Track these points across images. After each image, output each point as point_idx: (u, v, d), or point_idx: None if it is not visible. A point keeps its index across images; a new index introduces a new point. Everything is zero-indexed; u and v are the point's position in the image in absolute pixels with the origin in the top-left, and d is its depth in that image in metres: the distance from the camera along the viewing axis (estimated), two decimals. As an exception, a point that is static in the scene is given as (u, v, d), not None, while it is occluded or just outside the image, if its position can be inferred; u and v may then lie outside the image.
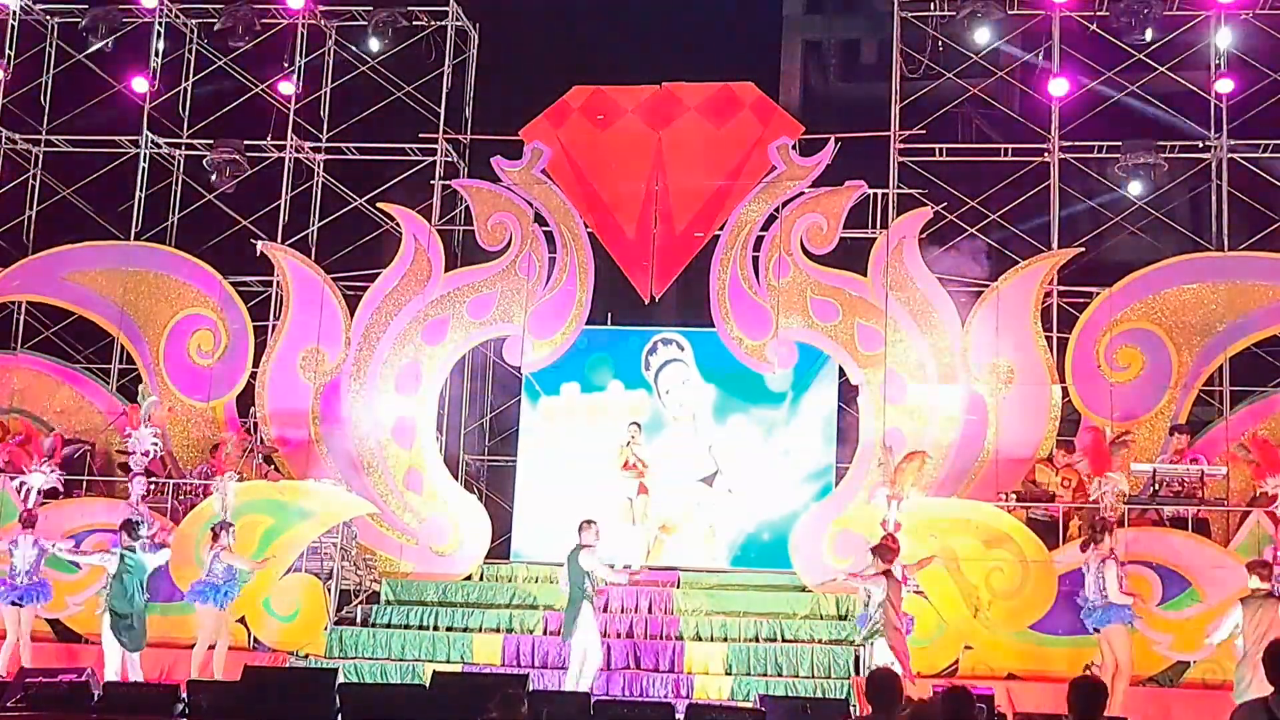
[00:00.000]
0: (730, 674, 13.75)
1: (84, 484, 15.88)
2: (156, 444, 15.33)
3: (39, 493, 14.64)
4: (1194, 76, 16.37)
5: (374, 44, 17.59)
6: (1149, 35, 15.87)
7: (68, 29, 18.22)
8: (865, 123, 17.05)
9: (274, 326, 17.03)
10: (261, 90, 17.89)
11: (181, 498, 15.65)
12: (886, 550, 12.47)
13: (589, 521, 13.06)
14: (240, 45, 17.53)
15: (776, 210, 16.49)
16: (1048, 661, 13.29)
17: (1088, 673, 7.29)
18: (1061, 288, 15.94)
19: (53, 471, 14.84)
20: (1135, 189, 16.25)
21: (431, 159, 17.60)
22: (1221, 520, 14.35)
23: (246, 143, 17.62)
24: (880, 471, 14.09)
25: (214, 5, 17.74)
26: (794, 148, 16.59)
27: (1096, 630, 12.57)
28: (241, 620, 14.40)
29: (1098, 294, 15.67)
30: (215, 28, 17.56)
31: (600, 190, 16.96)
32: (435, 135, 17.57)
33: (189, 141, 18.01)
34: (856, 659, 13.58)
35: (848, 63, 22.91)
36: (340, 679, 11.22)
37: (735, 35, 19.18)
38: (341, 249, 17.54)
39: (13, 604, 13.65)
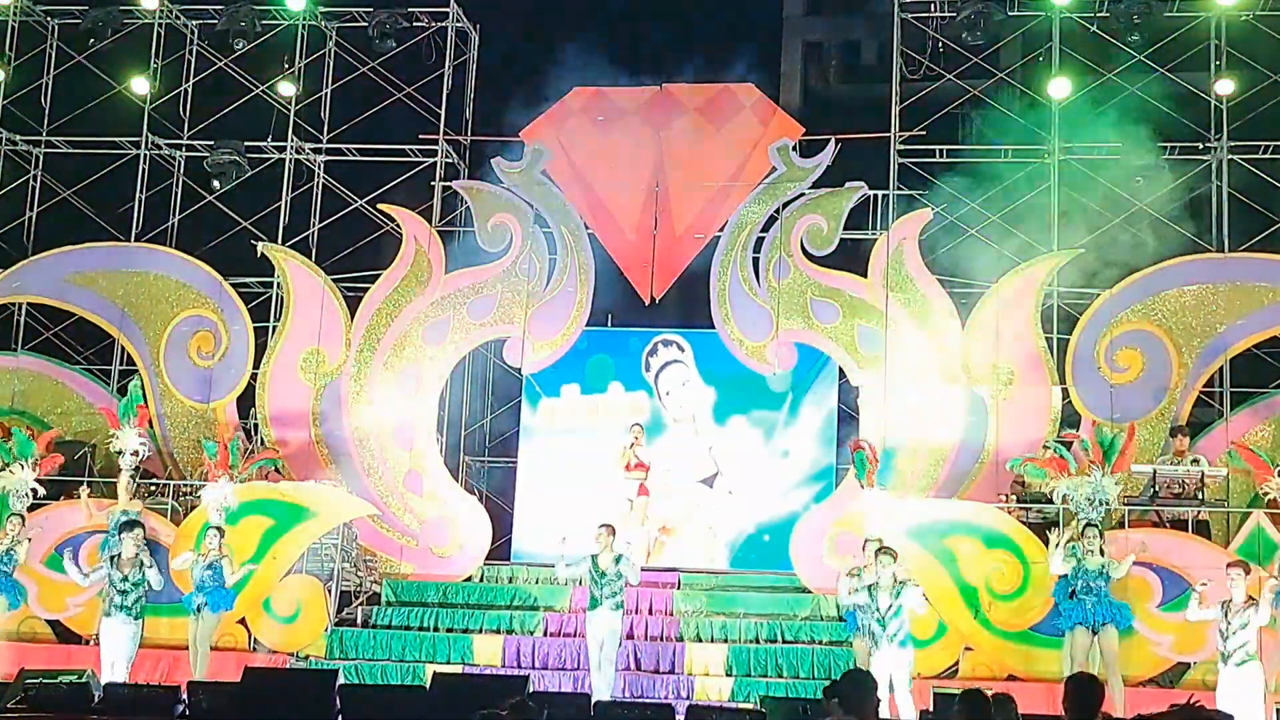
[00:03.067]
0: (731, 675, 13.75)
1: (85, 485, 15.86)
2: (144, 444, 15.31)
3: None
4: (1194, 77, 16.38)
5: (375, 45, 17.56)
6: (1137, 37, 15.83)
7: (68, 30, 18.21)
8: (865, 124, 17.05)
9: (274, 328, 17.02)
10: (262, 91, 17.89)
11: (182, 498, 15.65)
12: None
13: (601, 526, 13.15)
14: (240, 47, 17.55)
15: (777, 211, 16.49)
16: (1048, 663, 13.28)
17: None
18: (1061, 288, 15.94)
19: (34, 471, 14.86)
20: (1135, 190, 16.23)
21: (432, 160, 17.60)
22: (1222, 521, 14.35)
23: (247, 144, 17.63)
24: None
25: (214, 6, 17.76)
26: (794, 149, 16.59)
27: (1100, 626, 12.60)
28: (242, 621, 14.41)
29: (1098, 295, 15.67)
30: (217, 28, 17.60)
31: (600, 191, 16.97)
32: (435, 136, 17.57)
33: (189, 143, 18.00)
34: None
35: (848, 64, 22.96)
36: (341, 680, 11.20)
37: (735, 36, 19.20)
38: (342, 250, 17.56)
39: None
